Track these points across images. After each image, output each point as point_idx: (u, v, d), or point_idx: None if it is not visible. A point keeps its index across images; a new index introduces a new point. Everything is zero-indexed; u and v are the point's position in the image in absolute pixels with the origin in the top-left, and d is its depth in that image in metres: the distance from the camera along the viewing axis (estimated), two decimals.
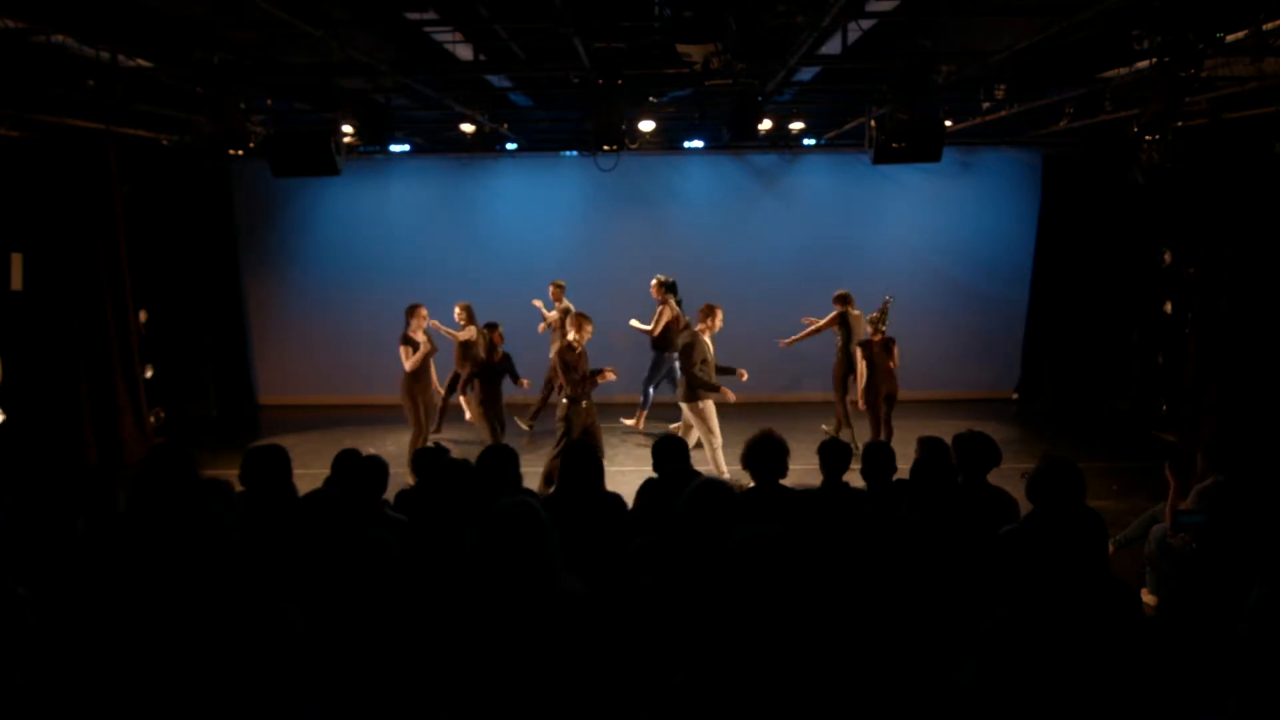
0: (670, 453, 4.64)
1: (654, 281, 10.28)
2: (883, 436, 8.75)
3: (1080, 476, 3.78)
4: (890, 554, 3.79)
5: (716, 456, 8.03)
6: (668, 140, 11.42)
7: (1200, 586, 4.36)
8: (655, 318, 10.28)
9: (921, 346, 11.49)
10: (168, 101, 7.65)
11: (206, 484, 4.07)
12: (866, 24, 6.22)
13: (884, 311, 9.04)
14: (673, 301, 10.23)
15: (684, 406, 8.21)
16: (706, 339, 8.06)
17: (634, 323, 10.45)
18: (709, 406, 8.01)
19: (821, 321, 9.93)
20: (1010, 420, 11.20)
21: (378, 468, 4.34)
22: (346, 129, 8.22)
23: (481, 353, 8.71)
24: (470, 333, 9.64)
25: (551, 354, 10.54)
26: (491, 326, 7.88)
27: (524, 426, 10.34)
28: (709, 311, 8.19)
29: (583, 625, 2.68)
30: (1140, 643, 2.75)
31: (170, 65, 6.78)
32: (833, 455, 4.66)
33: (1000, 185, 12.08)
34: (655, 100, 8.91)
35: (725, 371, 8.20)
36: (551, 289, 10.80)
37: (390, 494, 4.61)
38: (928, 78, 6.62)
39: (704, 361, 7.94)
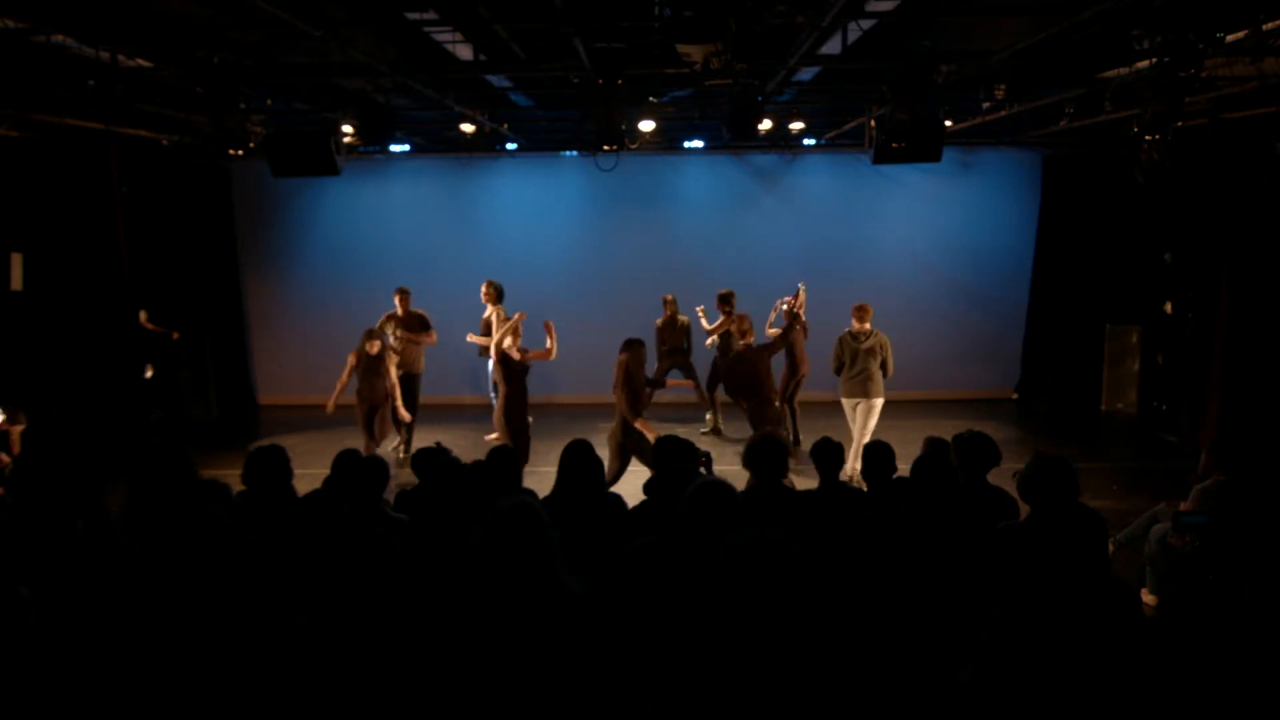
0: (670, 453, 4.63)
1: (484, 285, 9.87)
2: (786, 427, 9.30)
3: (1072, 473, 3.76)
4: (890, 554, 3.79)
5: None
6: (668, 140, 11.42)
7: (1200, 586, 4.36)
8: (497, 325, 9.55)
9: (922, 346, 11.51)
10: (168, 101, 7.64)
11: (204, 485, 4.08)
12: (866, 24, 6.22)
13: (798, 298, 9.27)
14: (502, 307, 9.76)
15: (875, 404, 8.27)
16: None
17: (471, 337, 9.93)
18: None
19: (719, 324, 9.82)
20: (1010, 420, 11.19)
21: (378, 468, 4.34)
22: (346, 129, 8.22)
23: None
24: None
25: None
26: (638, 344, 7.54)
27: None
28: (865, 310, 8.32)
29: (582, 625, 2.68)
30: (1140, 643, 2.75)
31: (170, 65, 6.79)
32: (827, 455, 4.66)
33: (1000, 185, 12.07)
34: (655, 100, 8.91)
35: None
36: (397, 296, 9.74)
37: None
38: (928, 78, 6.62)
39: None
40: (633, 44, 6.38)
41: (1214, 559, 4.45)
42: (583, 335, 10.33)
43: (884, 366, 8.23)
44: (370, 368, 8.52)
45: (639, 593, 3.04)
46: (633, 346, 7.18)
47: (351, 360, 8.54)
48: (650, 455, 6.91)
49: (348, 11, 6.01)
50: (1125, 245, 11.11)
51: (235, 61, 6.68)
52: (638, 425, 7.02)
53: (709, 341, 9.90)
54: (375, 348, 8.53)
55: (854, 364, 8.22)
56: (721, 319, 9.83)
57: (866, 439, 8.15)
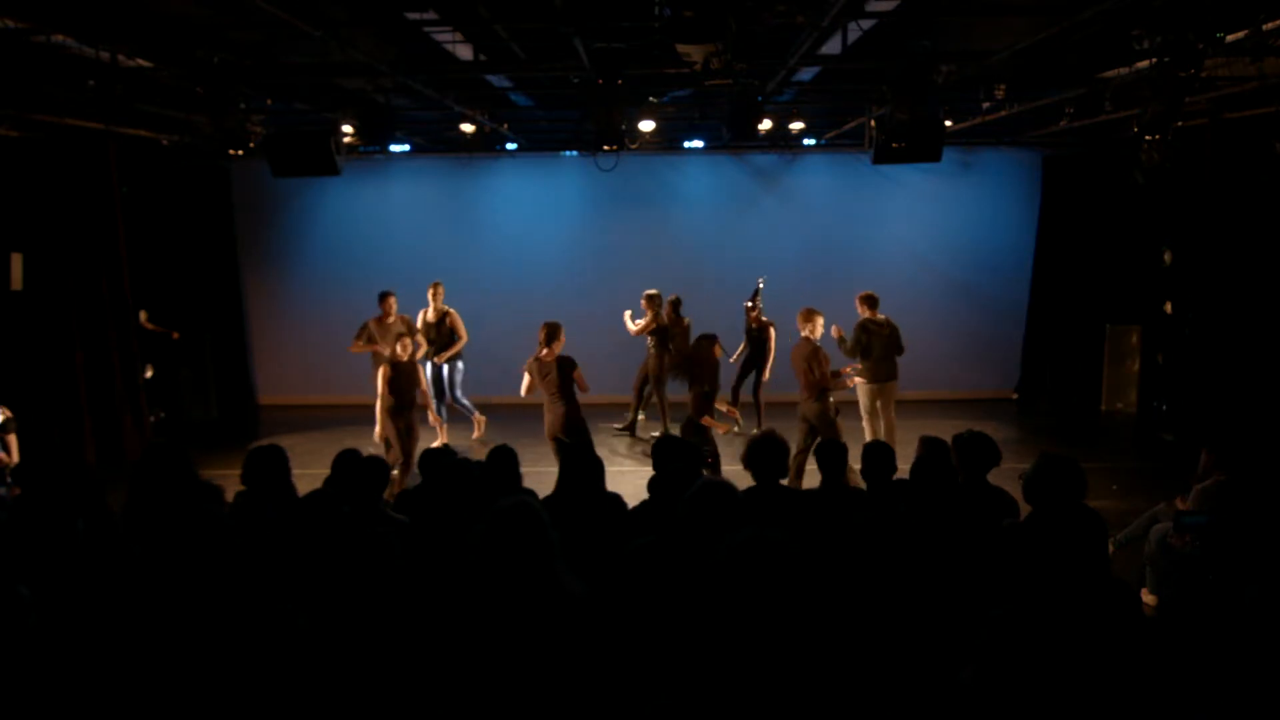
0: (670, 453, 4.63)
1: (438, 287, 9.84)
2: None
3: (1080, 474, 3.76)
4: (890, 554, 3.79)
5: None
6: (668, 140, 11.41)
7: (1200, 586, 4.36)
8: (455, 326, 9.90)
9: (922, 346, 11.48)
10: (168, 101, 7.64)
11: (199, 486, 4.09)
12: (866, 24, 6.22)
13: (758, 293, 9.83)
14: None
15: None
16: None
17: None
18: None
19: (642, 323, 10.21)
20: (1010, 420, 11.19)
21: (378, 468, 4.34)
22: (346, 129, 8.21)
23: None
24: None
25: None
26: (710, 338, 7.54)
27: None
28: (876, 300, 8.69)
29: (582, 626, 2.68)
30: (1140, 643, 2.75)
31: (170, 65, 6.78)
32: (830, 455, 4.66)
33: (1000, 185, 12.07)
34: (655, 100, 8.91)
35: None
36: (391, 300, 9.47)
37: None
38: (928, 78, 6.62)
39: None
40: (633, 44, 6.38)
41: (1214, 559, 4.45)
42: (582, 335, 10.31)
43: (899, 348, 8.59)
44: (408, 376, 7.86)
45: (639, 593, 3.04)
46: (709, 339, 7.45)
47: (360, 347, 8.41)
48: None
49: (348, 11, 6.01)
50: (1125, 245, 11.10)
51: (235, 61, 6.67)
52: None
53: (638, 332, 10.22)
54: (407, 351, 7.89)
55: (880, 350, 8.39)
56: (647, 318, 10.10)
57: (889, 420, 8.49)
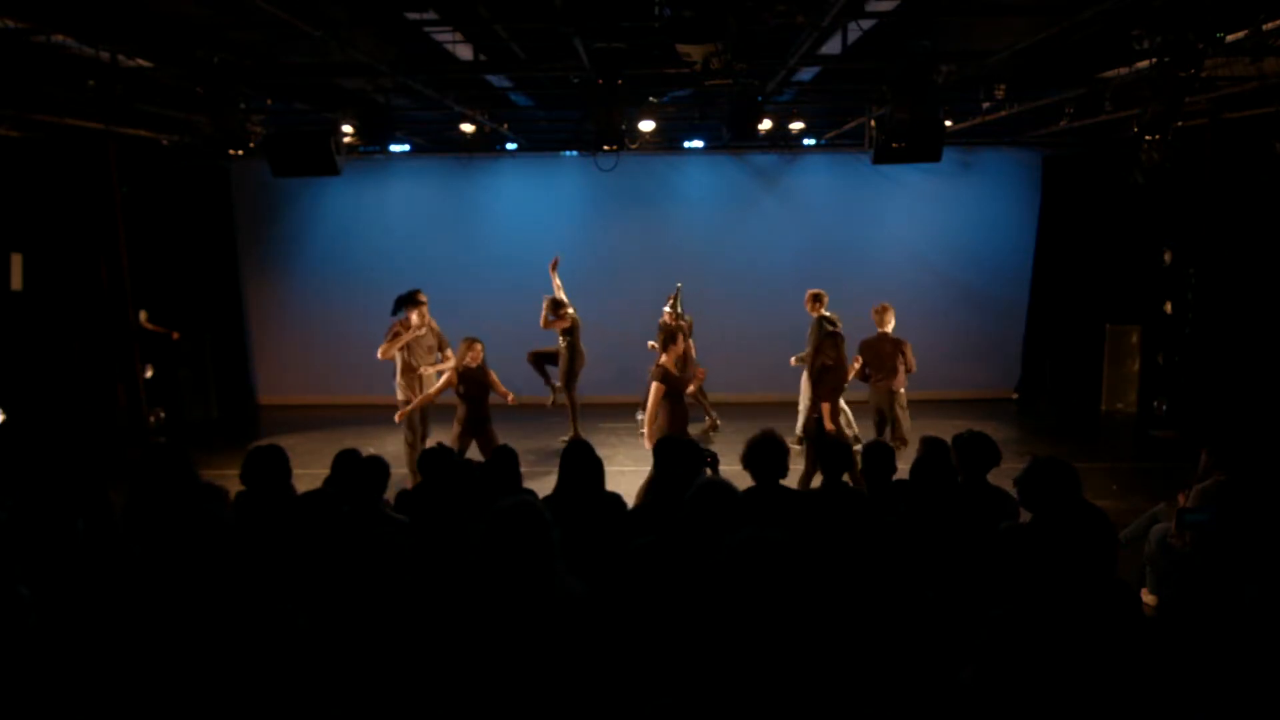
0: (671, 454, 4.62)
1: (423, 297, 8.37)
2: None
3: (1071, 472, 3.75)
4: (890, 555, 3.79)
5: None
6: (668, 140, 11.41)
7: (1200, 586, 4.36)
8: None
9: (922, 347, 11.44)
10: (168, 101, 7.65)
11: (202, 487, 4.09)
12: (866, 24, 6.22)
13: (676, 297, 9.76)
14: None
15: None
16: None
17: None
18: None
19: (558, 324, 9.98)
20: (1010, 420, 11.20)
21: (378, 468, 4.34)
22: (346, 129, 8.21)
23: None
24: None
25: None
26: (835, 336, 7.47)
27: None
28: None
29: (583, 625, 2.68)
30: (1140, 643, 2.75)
31: (170, 65, 6.79)
32: (832, 456, 4.66)
33: (1000, 185, 12.08)
34: (655, 100, 8.91)
35: None
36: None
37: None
38: (928, 78, 6.62)
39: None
40: (633, 44, 6.38)
41: (1214, 559, 4.45)
42: (583, 335, 10.32)
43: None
44: (477, 382, 7.28)
45: (639, 593, 3.04)
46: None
47: (451, 379, 7.21)
48: None
49: (348, 11, 6.00)
50: (1125, 245, 11.11)
51: (235, 61, 6.68)
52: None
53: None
54: (479, 355, 7.34)
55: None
56: (548, 321, 9.83)
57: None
